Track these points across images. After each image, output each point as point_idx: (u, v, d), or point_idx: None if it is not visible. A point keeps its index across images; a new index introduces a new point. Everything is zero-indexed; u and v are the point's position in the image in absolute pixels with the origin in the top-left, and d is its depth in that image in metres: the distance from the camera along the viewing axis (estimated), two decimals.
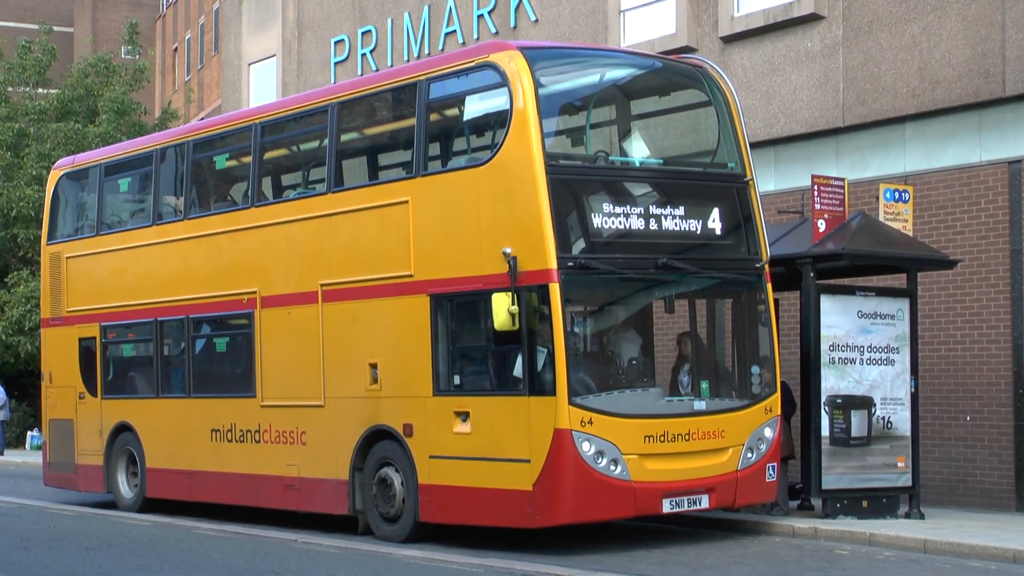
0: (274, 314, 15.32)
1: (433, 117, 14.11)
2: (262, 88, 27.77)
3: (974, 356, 16.14)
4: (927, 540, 12.88)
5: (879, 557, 12.51)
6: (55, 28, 38.55)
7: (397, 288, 13.70)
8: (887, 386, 14.69)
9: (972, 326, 16.18)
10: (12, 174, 32.00)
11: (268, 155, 16.35)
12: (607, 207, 12.96)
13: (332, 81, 24.99)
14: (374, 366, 13.99)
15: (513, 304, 12.25)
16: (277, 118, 16.01)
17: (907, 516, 14.58)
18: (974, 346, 16.15)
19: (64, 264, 18.84)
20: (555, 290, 12.24)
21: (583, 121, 14.09)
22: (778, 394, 13.76)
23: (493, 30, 21.98)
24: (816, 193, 14.61)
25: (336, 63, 25.47)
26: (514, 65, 12.75)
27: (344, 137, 15.22)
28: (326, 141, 14.94)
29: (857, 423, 14.47)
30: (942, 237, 16.34)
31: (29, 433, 31.92)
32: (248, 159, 16.07)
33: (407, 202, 13.67)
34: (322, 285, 14.61)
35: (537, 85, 12.70)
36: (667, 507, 12.79)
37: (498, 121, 13.15)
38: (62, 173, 19.42)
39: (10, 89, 34.36)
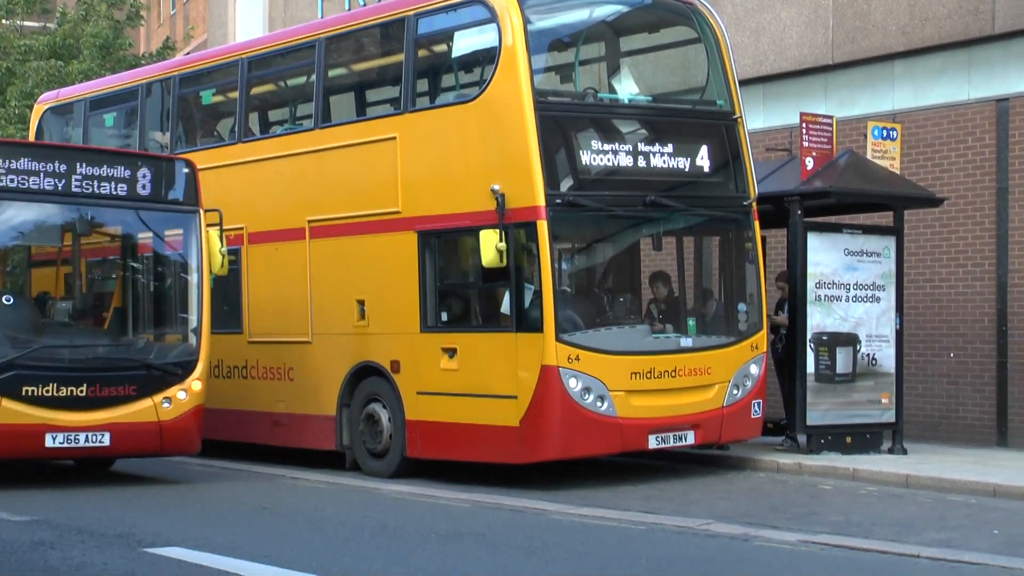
0: (261, 250, 15.31)
1: (421, 53, 14.04)
2: (248, 23, 27.55)
3: (959, 294, 16.24)
4: (909, 475, 13.03)
5: (862, 492, 12.66)
6: None
7: (385, 225, 13.69)
8: (872, 323, 14.78)
9: (958, 264, 16.26)
10: None
11: (255, 91, 16.26)
12: (595, 144, 12.94)
13: (319, 16, 24.79)
14: (361, 303, 14.02)
15: (501, 241, 12.26)
16: (264, 53, 15.91)
17: (890, 452, 14.72)
18: (959, 284, 16.24)
19: None
20: (543, 227, 12.25)
21: (572, 58, 14.03)
22: (764, 331, 13.85)
23: None
24: (804, 131, 14.60)
25: None
26: (503, 1, 12.67)
27: (331, 73, 15.13)
28: (313, 77, 14.86)
29: (842, 360, 14.57)
30: (929, 175, 16.37)
31: None
32: (235, 95, 15.99)
33: (395, 138, 13.64)
34: (309, 221, 14.60)
35: (526, 21, 12.63)
36: (653, 443, 12.90)
37: (487, 57, 13.09)
38: (46, 107, 19.28)
39: None
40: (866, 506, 11.81)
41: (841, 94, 17.37)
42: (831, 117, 15.05)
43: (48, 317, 13.74)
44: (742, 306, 13.82)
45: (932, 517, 11.16)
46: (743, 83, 14.68)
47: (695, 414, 13.10)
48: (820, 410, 14.46)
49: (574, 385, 12.32)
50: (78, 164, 12.81)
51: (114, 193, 13.00)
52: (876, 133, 15.26)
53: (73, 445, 12.37)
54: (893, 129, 15.38)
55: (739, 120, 13.79)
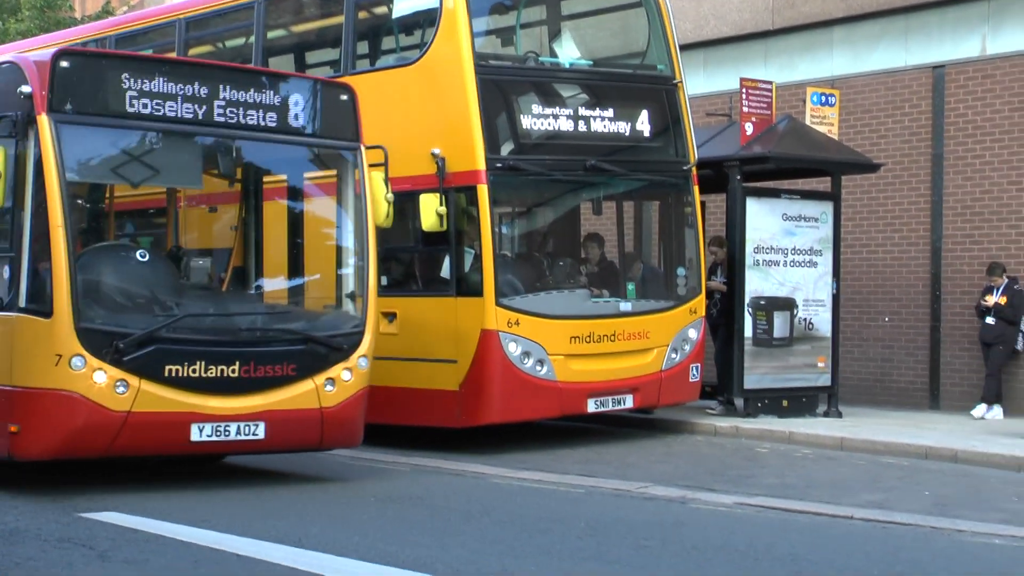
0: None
1: (361, 15, 13.94)
2: None
3: (894, 259, 16.44)
4: (844, 438, 13.21)
5: (797, 455, 12.82)
6: None
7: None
8: (809, 288, 14.93)
9: (893, 229, 16.46)
10: None
11: (193, 52, 16.03)
12: (536, 108, 12.95)
13: None
14: None
15: (441, 205, 12.24)
16: (202, 14, 15.69)
17: (826, 415, 14.92)
18: (894, 249, 16.45)
19: None
20: (483, 191, 12.25)
21: (513, 21, 13.99)
22: (703, 295, 13.95)
23: None
24: (744, 96, 14.68)
25: None
26: None
27: (271, 34, 14.99)
28: (252, 38, 14.70)
29: (779, 324, 14.72)
30: (867, 141, 16.53)
31: None
32: (172, 56, 15.77)
33: None
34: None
35: None
36: (592, 407, 12.98)
37: (427, 20, 13.03)
38: None
39: None
40: (801, 469, 11.97)
41: (781, 59, 17.47)
42: (771, 82, 15.15)
43: (185, 278, 11.46)
44: (681, 270, 13.92)
45: (866, 479, 11.33)
46: (684, 48, 14.73)
47: (633, 378, 13.20)
48: (757, 374, 14.61)
49: (514, 349, 12.36)
50: (221, 87, 10.17)
51: (262, 124, 10.37)
52: (815, 99, 15.39)
53: (222, 438, 9.87)
54: (832, 95, 15.51)
55: (679, 85, 13.84)
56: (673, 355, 13.49)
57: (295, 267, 11.87)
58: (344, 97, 10.83)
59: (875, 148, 16.40)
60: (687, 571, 7.49)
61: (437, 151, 12.37)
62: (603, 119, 13.30)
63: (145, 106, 9.85)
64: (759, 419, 14.40)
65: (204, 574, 7.25)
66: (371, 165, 10.88)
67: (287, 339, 10.31)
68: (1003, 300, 14.79)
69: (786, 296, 14.77)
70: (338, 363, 10.37)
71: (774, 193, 15.06)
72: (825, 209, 15.08)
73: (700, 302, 13.86)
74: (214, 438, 9.84)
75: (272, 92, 10.43)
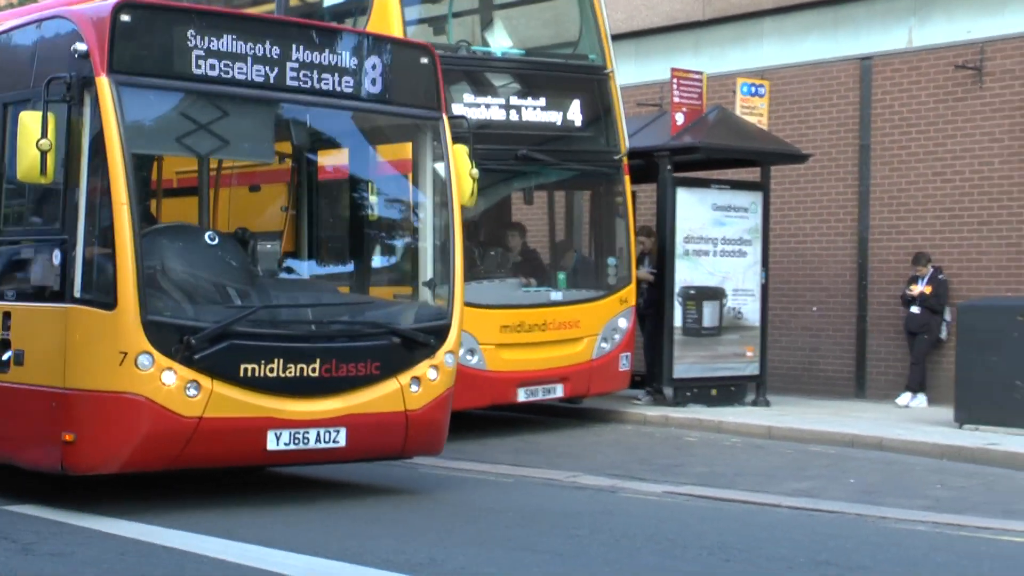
0: None
1: (292, 3, 13.82)
2: None
3: (822, 249, 16.62)
4: (772, 427, 13.34)
5: (726, 443, 12.93)
6: None
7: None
8: (738, 277, 15.05)
9: (821, 219, 16.64)
10: None
11: None
12: (468, 98, 12.93)
13: None
14: None
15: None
16: None
17: (754, 404, 15.05)
18: (822, 239, 16.63)
19: None
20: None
21: (445, 10, 13.96)
22: (633, 285, 14.02)
23: None
24: (675, 86, 14.75)
25: None
26: None
27: None
28: None
29: (709, 314, 14.81)
30: (795, 132, 16.68)
31: None
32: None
33: None
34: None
35: None
36: (522, 396, 13.01)
37: (359, 8, 12.96)
38: None
39: None
40: (730, 457, 12.08)
41: (711, 50, 17.58)
42: (701, 73, 15.23)
43: (254, 264, 9.95)
44: (611, 260, 13.97)
45: (793, 467, 11.46)
46: (615, 38, 14.77)
47: (564, 367, 13.24)
48: (686, 363, 14.69)
49: None
50: (293, 47, 8.96)
51: (337, 90, 9.17)
52: (745, 89, 15.49)
53: (301, 447, 8.69)
54: (761, 86, 15.63)
55: (611, 75, 13.88)
56: (603, 344, 13.55)
57: (370, 252, 10.84)
58: (424, 60, 9.65)
59: (803, 139, 16.56)
60: (616, 560, 7.53)
61: None
62: (535, 108, 13.31)
63: (212, 67, 8.64)
64: (688, 408, 14.50)
65: (131, 565, 7.16)
66: (454, 137, 9.82)
67: (370, 333, 9.12)
68: (928, 289, 15.01)
69: (715, 286, 14.87)
70: (424, 360, 9.23)
71: (704, 183, 15.15)
72: (754, 199, 15.20)
73: (630, 291, 13.93)
74: (292, 447, 8.68)
75: (348, 53, 9.21)
